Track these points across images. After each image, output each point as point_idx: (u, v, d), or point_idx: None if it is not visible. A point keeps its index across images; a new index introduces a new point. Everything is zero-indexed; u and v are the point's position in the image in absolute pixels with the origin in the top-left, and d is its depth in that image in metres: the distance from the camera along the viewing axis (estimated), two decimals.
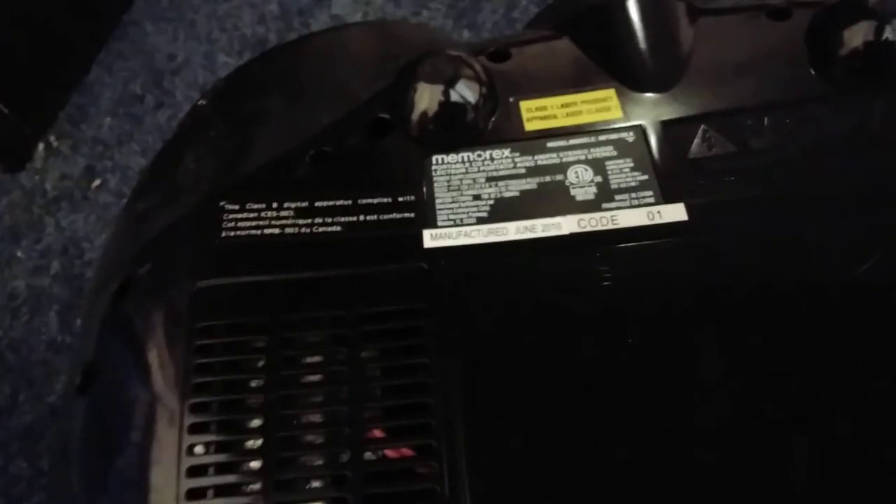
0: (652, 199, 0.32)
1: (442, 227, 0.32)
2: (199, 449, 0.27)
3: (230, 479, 0.27)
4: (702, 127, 0.34)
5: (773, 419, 0.27)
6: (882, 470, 0.26)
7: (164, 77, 0.70)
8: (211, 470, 0.27)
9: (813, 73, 0.35)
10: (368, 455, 0.27)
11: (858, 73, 0.35)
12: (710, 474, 0.26)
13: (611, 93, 0.36)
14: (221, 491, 0.27)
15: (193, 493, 0.26)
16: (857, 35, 0.34)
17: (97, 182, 0.67)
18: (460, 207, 0.33)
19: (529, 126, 0.35)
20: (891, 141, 0.33)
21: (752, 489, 0.26)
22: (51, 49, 0.68)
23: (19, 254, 0.65)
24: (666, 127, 0.34)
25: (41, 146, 0.69)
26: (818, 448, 0.26)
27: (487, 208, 0.32)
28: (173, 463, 0.27)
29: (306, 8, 0.71)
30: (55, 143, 0.69)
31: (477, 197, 0.33)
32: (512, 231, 0.31)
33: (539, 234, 0.31)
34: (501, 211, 0.32)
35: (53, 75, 0.69)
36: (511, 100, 0.36)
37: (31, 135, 0.69)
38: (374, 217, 0.32)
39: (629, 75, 0.36)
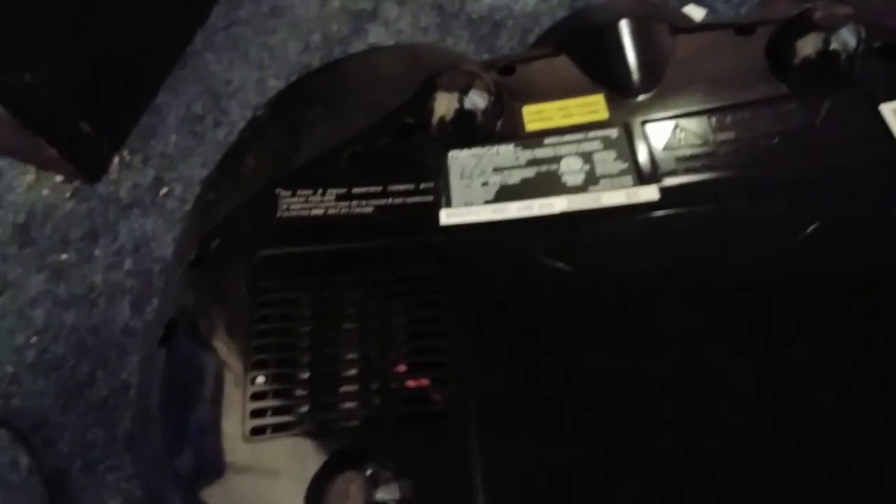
0: (630, 183, 0.36)
1: (455, 207, 0.37)
2: (260, 379, 0.32)
3: (285, 402, 0.31)
4: (675, 124, 0.38)
5: (726, 369, 0.30)
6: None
7: (221, 99, 0.75)
8: (269, 395, 0.31)
9: (772, 78, 0.38)
10: (394, 384, 0.31)
11: (810, 77, 0.38)
12: (681, 408, 0.30)
13: (599, 98, 0.39)
14: (278, 411, 0.31)
15: (256, 412, 0.31)
16: (808, 45, 0.38)
17: (164, 190, 0.72)
18: (471, 192, 0.37)
19: (530, 126, 0.39)
20: (836, 132, 0.36)
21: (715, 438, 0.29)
22: (125, 77, 0.73)
23: (97, 252, 0.70)
24: (645, 125, 0.38)
25: (116, 160, 0.74)
26: (784, 412, 0.29)
27: (493, 192, 0.37)
28: (240, 390, 0.32)
29: (345, 38, 0.76)
30: (128, 158, 0.74)
31: (485, 183, 0.37)
32: (513, 210, 0.36)
33: (535, 212, 0.35)
34: (505, 194, 0.36)
35: (127, 99, 0.74)
36: (515, 105, 0.40)
37: (108, 150, 0.73)
38: (400, 200, 0.37)
39: (616, 84, 0.40)
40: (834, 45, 0.38)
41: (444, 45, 0.73)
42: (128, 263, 0.70)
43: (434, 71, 0.41)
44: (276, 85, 0.74)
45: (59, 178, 0.74)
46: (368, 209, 0.37)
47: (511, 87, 0.41)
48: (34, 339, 0.67)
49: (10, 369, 0.65)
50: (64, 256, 0.71)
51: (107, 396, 0.63)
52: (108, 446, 0.61)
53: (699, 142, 0.37)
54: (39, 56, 0.63)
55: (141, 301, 0.67)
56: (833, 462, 0.28)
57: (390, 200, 0.37)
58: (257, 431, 0.31)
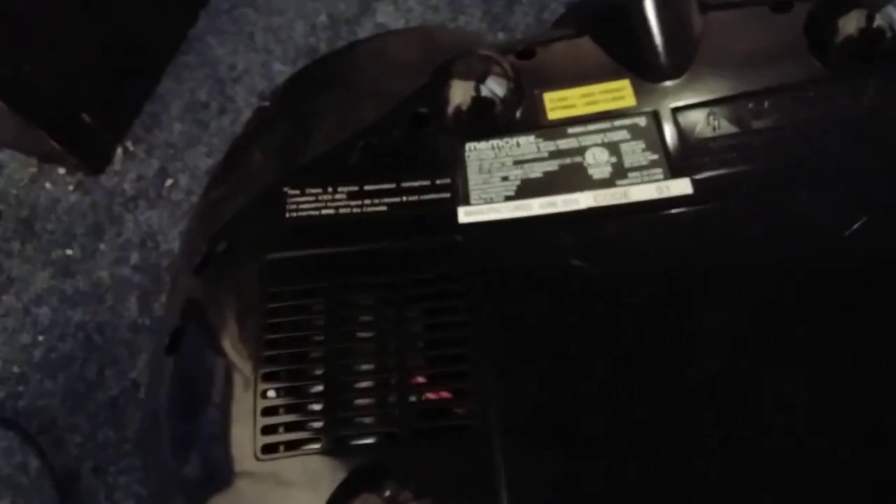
0: (661, 176, 0.35)
1: (474, 204, 0.35)
2: (271, 393, 0.31)
3: (298, 417, 0.30)
4: (708, 111, 0.37)
5: (767, 375, 0.29)
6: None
7: (226, 85, 0.74)
8: (281, 410, 0.30)
9: (812, 59, 0.37)
10: (413, 397, 0.30)
11: (852, 57, 0.36)
12: (707, 411, 0.29)
13: (625, 83, 0.38)
14: (291, 427, 0.30)
15: (267, 429, 0.30)
16: (850, 23, 0.36)
17: (169, 182, 0.71)
18: (490, 187, 0.36)
19: (552, 115, 0.38)
20: (881, 116, 0.35)
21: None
22: (125, 64, 0.72)
23: (102, 247, 0.69)
24: (675, 112, 0.36)
25: (119, 151, 0.73)
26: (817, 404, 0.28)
27: (514, 188, 0.35)
28: (250, 404, 0.31)
29: (353, 18, 0.74)
30: (132, 148, 0.73)
31: (505, 178, 0.36)
32: (535, 206, 0.35)
33: (559, 208, 0.34)
34: (526, 189, 0.35)
35: (128, 87, 0.73)
36: (536, 92, 0.38)
37: (110, 141, 0.72)
38: (415, 198, 0.36)
39: (643, 67, 0.38)
40: (878, 23, 0.36)
41: (457, 24, 0.71)
42: (134, 258, 0.69)
43: (448, 56, 0.39)
44: (282, 69, 0.73)
45: (61, 170, 0.73)
46: (382, 208, 0.36)
47: (531, 72, 0.40)
48: (41, 338, 0.66)
49: (16, 369, 0.65)
50: (69, 252, 0.70)
51: (116, 396, 0.63)
52: (118, 447, 0.61)
53: (734, 130, 0.36)
54: (37, 47, 0.62)
55: (149, 297, 0.66)
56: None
57: (405, 198, 0.36)
58: (269, 449, 0.30)
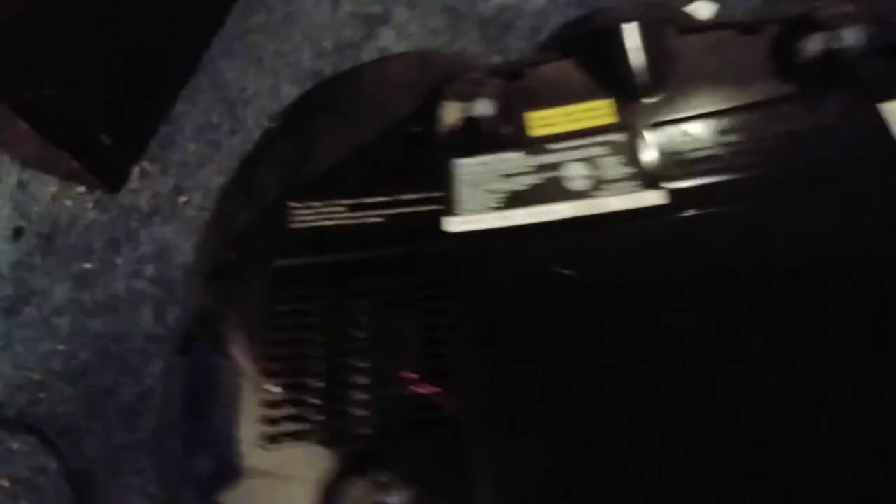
0: (637, 187, 0.36)
1: (463, 215, 0.37)
2: (274, 388, 0.33)
3: (299, 410, 0.32)
4: (682, 127, 0.38)
5: (737, 374, 0.30)
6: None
7: (237, 107, 0.76)
8: (284, 403, 0.32)
9: (777, 78, 0.38)
10: (405, 392, 0.32)
11: (815, 76, 0.38)
12: (674, 404, 0.30)
13: (606, 102, 0.39)
14: (292, 419, 0.32)
15: (270, 421, 0.32)
16: (812, 45, 0.38)
17: (183, 199, 0.73)
18: (477, 199, 0.37)
19: (537, 132, 0.39)
20: (840, 132, 0.36)
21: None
22: (142, 88, 0.74)
23: (119, 260, 0.72)
24: (652, 128, 0.38)
25: (136, 170, 0.75)
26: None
27: (500, 199, 0.37)
28: (255, 398, 0.33)
29: (357, 42, 0.77)
30: (148, 167, 0.75)
31: (491, 191, 0.38)
32: (519, 217, 0.36)
33: (541, 218, 0.36)
34: (511, 201, 0.37)
35: (145, 110, 0.75)
36: (522, 111, 0.40)
37: (128, 161, 0.74)
38: (409, 209, 0.37)
39: (623, 87, 0.39)
40: (838, 45, 0.38)
41: (455, 48, 0.73)
42: (149, 271, 0.71)
43: (442, 78, 0.41)
44: (290, 91, 0.75)
45: (81, 188, 0.75)
46: (378, 219, 0.38)
47: (518, 93, 0.41)
48: (61, 347, 0.68)
49: (37, 377, 0.67)
50: (88, 265, 0.72)
51: (131, 402, 0.65)
52: (133, 450, 0.63)
53: (706, 144, 0.37)
54: (60, 71, 0.64)
55: (163, 308, 0.68)
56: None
57: (400, 210, 0.38)
58: (272, 439, 0.32)
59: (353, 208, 0.38)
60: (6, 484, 0.63)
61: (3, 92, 0.58)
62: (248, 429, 0.32)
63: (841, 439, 0.29)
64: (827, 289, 0.32)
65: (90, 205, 0.74)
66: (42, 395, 0.66)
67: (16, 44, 0.58)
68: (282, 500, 0.31)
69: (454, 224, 0.37)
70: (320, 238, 0.37)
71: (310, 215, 0.38)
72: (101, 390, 0.65)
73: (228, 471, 0.32)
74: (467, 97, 0.40)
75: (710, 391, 0.30)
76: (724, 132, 0.38)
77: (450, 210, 0.37)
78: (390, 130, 0.41)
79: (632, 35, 0.41)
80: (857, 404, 0.29)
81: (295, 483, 0.31)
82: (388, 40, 0.75)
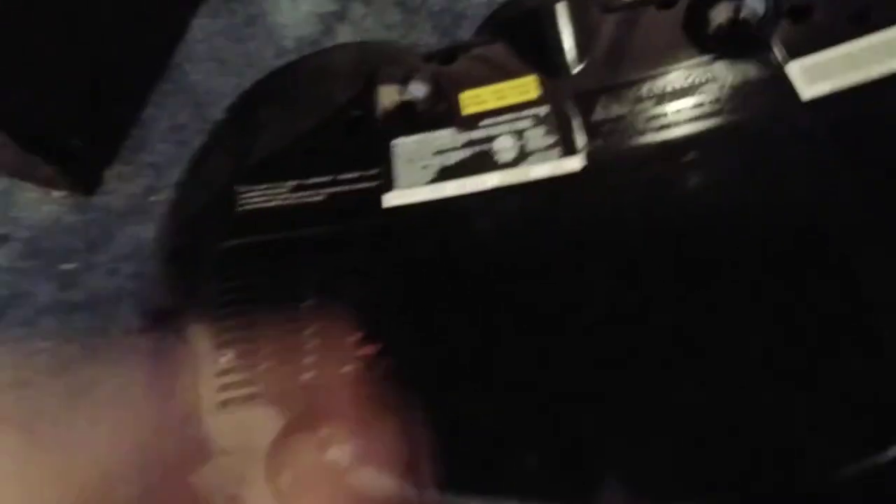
0: (557, 155, 0.38)
1: (398, 190, 0.39)
2: (226, 357, 0.34)
3: (248, 376, 0.34)
4: (599, 97, 0.40)
5: (646, 326, 0.32)
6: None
7: (204, 108, 0.77)
8: (235, 370, 0.34)
9: (690, 47, 0.40)
10: (344, 354, 0.33)
11: (724, 44, 0.39)
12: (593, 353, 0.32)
13: (531, 79, 0.41)
14: (242, 385, 0.34)
15: (223, 387, 0.34)
16: (719, 14, 0.39)
17: (156, 197, 0.74)
18: (412, 175, 0.39)
19: (467, 111, 0.41)
20: (748, 93, 0.38)
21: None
22: (113, 94, 0.75)
23: (98, 260, 0.73)
24: (573, 100, 0.40)
25: (109, 173, 0.76)
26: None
27: (432, 174, 0.39)
28: (210, 367, 0.34)
29: (315, 40, 0.78)
30: (121, 170, 0.76)
31: (425, 167, 0.39)
32: (450, 188, 0.38)
33: (470, 189, 0.38)
34: (443, 175, 0.38)
35: (115, 114, 0.76)
36: (454, 92, 0.41)
37: (101, 164, 0.75)
38: (349, 187, 0.39)
39: (547, 65, 0.41)
40: (743, 13, 0.40)
41: (409, 40, 0.75)
42: (127, 268, 0.72)
43: (379, 65, 0.43)
44: None
45: (59, 193, 0.76)
46: (320, 197, 0.39)
47: (451, 75, 0.43)
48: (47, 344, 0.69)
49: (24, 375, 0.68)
50: (70, 266, 0.73)
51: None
52: None
53: (621, 112, 0.39)
54: (30, 80, 0.65)
55: (141, 302, 0.69)
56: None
57: (340, 188, 0.39)
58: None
59: (296, 189, 0.40)
60: None
61: None
62: (205, 391, 0.34)
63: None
64: (734, 241, 0.34)
65: (67, 208, 0.75)
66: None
67: None
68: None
69: (390, 199, 0.38)
70: (266, 218, 0.39)
71: (255, 198, 0.40)
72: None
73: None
74: (402, 81, 0.41)
75: (631, 347, 0.32)
76: (639, 100, 0.39)
77: (387, 186, 0.39)
78: (331, 116, 0.43)
79: (555, 14, 0.43)
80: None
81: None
82: (346, 36, 0.76)
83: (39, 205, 0.77)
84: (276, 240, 0.38)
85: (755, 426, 0.29)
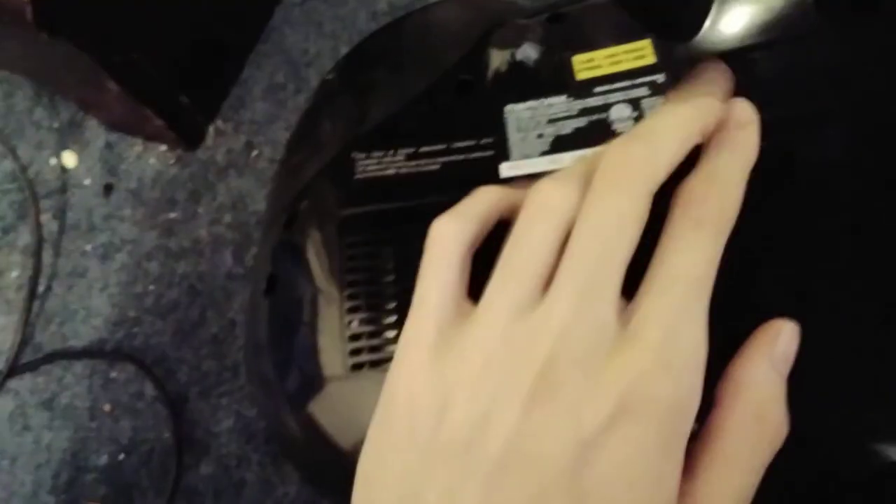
0: None
1: (514, 160, 0.36)
2: (354, 324, 0.34)
3: (377, 341, 0.33)
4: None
5: None
6: None
7: (300, 69, 0.75)
8: (364, 336, 0.33)
9: (813, 12, 0.36)
10: None
11: (852, 7, 0.35)
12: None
13: (646, 43, 0.38)
14: (372, 349, 0.33)
15: (354, 352, 0.33)
16: None
17: (255, 153, 0.74)
18: (527, 144, 0.37)
19: (580, 76, 0.38)
20: (874, 63, 0.34)
21: None
22: (215, 55, 0.75)
23: (200, 210, 0.73)
24: (690, 67, 0.37)
25: (211, 129, 0.75)
26: None
27: (548, 144, 0.36)
28: (338, 335, 0.34)
29: (409, 4, 0.75)
30: (221, 126, 0.76)
31: (540, 136, 0.37)
32: (567, 160, 0.35)
33: None
34: (559, 145, 0.36)
35: (217, 74, 0.75)
36: (566, 55, 0.39)
37: (204, 120, 0.75)
38: (463, 156, 0.37)
39: (662, 27, 0.38)
40: None
41: None
42: (227, 218, 0.72)
43: (486, 24, 0.40)
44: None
45: (162, 147, 0.76)
46: (435, 166, 0.37)
47: (561, 36, 0.40)
48: (151, 287, 0.70)
49: (132, 314, 0.69)
50: (172, 215, 0.74)
51: (216, 333, 0.67)
52: (220, 375, 0.65)
53: (744, 79, 0.35)
54: (144, 37, 0.65)
55: (241, 250, 0.70)
56: None
57: (454, 157, 0.37)
58: (356, 367, 0.33)
59: (410, 157, 0.38)
60: (108, 408, 0.66)
61: (96, 57, 0.59)
62: (333, 360, 0.33)
63: None
64: (859, 220, 0.30)
65: (172, 161, 0.75)
66: (136, 329, 0.68)
67: (105, 14, 0.59)
68: (363, 403, 0.31)
69: (506, 169, 0.36)
70: (383, 187, 0.37)
71: (372, 165, 0.38)
72: (189, 324, 0.67)
73: (317, 384, 0.33)
74: (513, 43, 0.38)
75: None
76: (762, 69, 0.36)
77: (502, 156, 0.36)
78: (440, 80, 0.40)
79: None
80: None
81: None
82: None
83: (144, 158, 0.77)
84: (395, 209, 0.36)
85: None
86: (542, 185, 0.28)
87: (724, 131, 0.28)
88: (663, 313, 0.22)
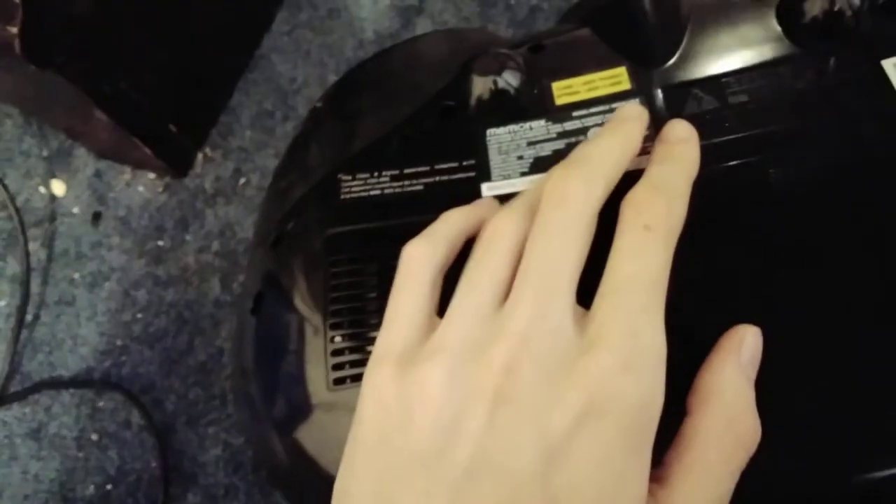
0: (651, 148, 0.37)
1: (494, 181, 0.38)
2: (337, 338, 0.35)
3: (359, 356, 0.34)
4: (692, 90, 0.39)
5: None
6: None
7: (288, 96, 0.77)
8: (346, 351, 0.34)
9: (783, 40, 0.38)
10: None
11: (817, 37, 0.38)
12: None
13: (622, 70, 0.40)
14: (354, 364, 0.34)
15: (336, 366, 0.34)
16: (813, 6, 0.38)
17: (243, 180, 0.75)
18: (508, 165, 0.38)
19: (559, 101, 0.40)
20: (840, 86, 0.36)
21: None
22: (204, 83, 0.76)
23: (188, 237, 0.74)
24: (664, 92, 0.38)
25: (200, 156, 0.77)
26: None
27: (528, 165, 0.38)
28: (321, 348, 0.35)
29: (395, 33, 0.77)
30: (210, 154, 0.77)
31: (520, 157, 0.38)
32: None
33: None
34: (538, 166, 0.38)
35: (205, 101, 0.77)
36: (545, 82, 0.40)
37: (192, 148, 0.76)
38: (446, 177, 0.39)
39: (636, 55, 0.40)
40: (839, 5, 0.37)
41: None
42: (215, 246, 0.73)
43: (469, 54, 0.42)
44: (334, 79, 0.76)
45: (151, 175, 0.78)
46: (419, 187, 0.39)
47: (540, 64, 0.42)
48: (139, 315, 0.71)
49: (120, 342, 0.70)
50: (160, 243, 0.75)
51: (204, 361, 0.68)
52: (207, 403, 0.66)
53: (713, 106, 0.38)
54: (131, 66, 0.66)
55: (229, 278, 0.71)
56: None
57: (437, 178, 0.39)
58: (338, 382, 0.34)
59: (395, 178, 0.39)
60: (95, 438, 0.66)
61: (84, 87, 0.60)
62: (317, 375, 0.34)
63: None
64: (825, 235, 0.32)
65: (160, 189, 0.77)
66: (124, 358, 0.69)
67: (93, 45, 0.61)
68: (349, 427, 0.33)
69: (486, 189, 0.38)
70: (368, 207, 0.39)
71: (357, 186, 0.40)
72: (177, 352, 0.68)
73: (302, 408, 0.34)
74: (495, 71, 0.41)
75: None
76: (731, 93, 0.38)
77: (483, 177, 0.38)
78: (425, 105, 0.42)
79: (646, 3, 0.41)
80: None
81: None
82: (425, 28, 0.76)
83: (133, 186, 0.79)
84: (378, 227, 0.38)
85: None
86: (494, 218, 0.30)
87: (665, 145, 0.31)
88: (620, 315, 0.23)
